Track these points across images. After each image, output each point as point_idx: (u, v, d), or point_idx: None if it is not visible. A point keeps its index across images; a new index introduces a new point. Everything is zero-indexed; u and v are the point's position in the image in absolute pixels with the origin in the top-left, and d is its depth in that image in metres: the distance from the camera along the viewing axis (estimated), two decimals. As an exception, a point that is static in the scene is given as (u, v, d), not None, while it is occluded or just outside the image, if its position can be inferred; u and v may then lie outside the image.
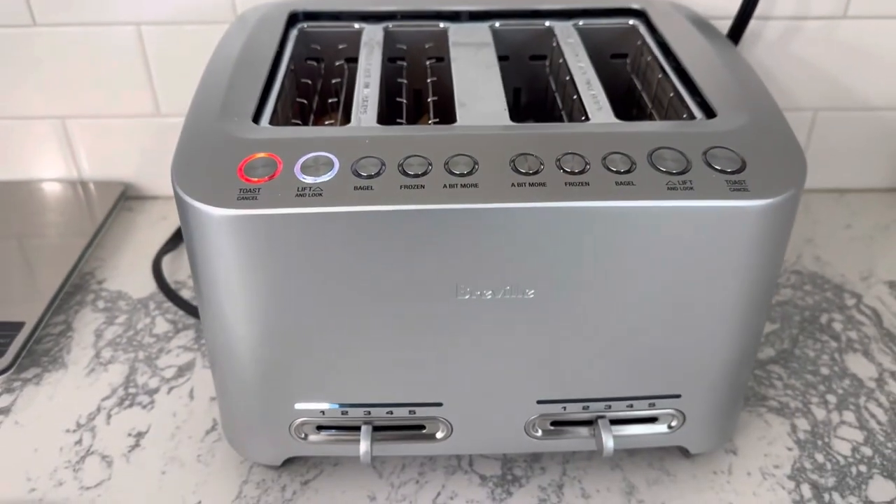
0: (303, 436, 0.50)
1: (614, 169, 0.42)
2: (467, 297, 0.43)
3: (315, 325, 0.44)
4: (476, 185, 0.41)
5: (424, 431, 0.50)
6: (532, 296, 0.44)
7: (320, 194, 0.41)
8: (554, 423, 0.50)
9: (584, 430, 0.51)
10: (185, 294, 0.69)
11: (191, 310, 0.66)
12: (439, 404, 0.48)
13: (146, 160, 0.80)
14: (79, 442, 0.55)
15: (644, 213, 0.41)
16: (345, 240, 0.41)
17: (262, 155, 0.43)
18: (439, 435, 0.50)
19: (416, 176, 0.41)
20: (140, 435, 0.56)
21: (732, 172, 0.42)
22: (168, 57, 0.73)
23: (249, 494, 0.52)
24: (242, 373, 0.48)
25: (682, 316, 0.45)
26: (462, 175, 0.41)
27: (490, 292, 0.43)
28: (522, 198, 0.40)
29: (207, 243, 0.42)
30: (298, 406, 0.48)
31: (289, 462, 0.53)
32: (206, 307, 0.46)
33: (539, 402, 0.49)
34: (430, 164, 0.42)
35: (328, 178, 0.41)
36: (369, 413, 0.49)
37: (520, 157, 0.42)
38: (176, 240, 0.75)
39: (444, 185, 0.41)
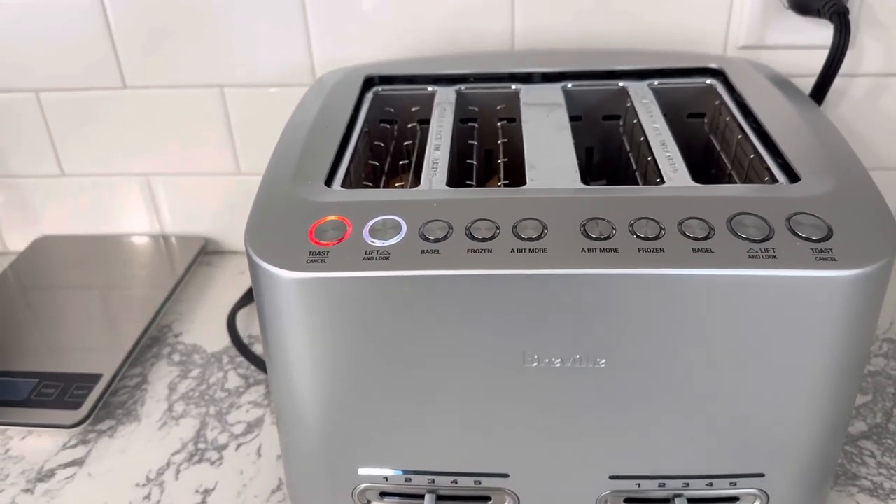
0: (366, 502, 0.49)
1: (691, 235, 0.40)
2: (535, 364, 0.42)
3: (380, 389, 0.44)
4: (545, 250, 0.40)
5: (490, 503, 0.48)
6: (603, 365, 0.42)
7: (387, 258, 0.41)
8: (628, 501, 0.48)
9: (659, 508, 0.48)
10: (258, 349, 0.69)
11: (262, 365, 0.67)
12: (506, 475, 0.47)
13: (226, 216, 0.82)
14: (147, 497, 0.56)
15: (723, 282, 0.39)
16: (410, 304, 0.41)
17: (332, 218, 0.43)
18: (506, 507, 0.48)
19: (484, 240, 0.41)
20: (207, 492, 0.56)
21: (818, 240, 0.40)
22: (249, 117, 0.76)
23: (311, 559, 0.51)
24: (307, 434, 0.47)
25: (764, 389, 0.42)
26: (530, 239, 0.41)
27: (559, 361, 0.42)
28: (593, 264, 0.39)
29: (276, 304, 0.42)
30: (362, 471, 0.47)
31: (352, 526, 0.53)
32: (273, 366, 0.46)
33: (612, 477, 0.46)
34: (497, 228, 0.41)
35: (395, 242, 0.41)
36: (433, 481, 0.47)
37: (591, 222, 0.41)
38: (251, 295, 0.76)
39: (512, 250, 0.40)
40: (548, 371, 0.42)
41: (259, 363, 0.67)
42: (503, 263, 0.40)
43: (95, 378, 0.64)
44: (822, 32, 0.64)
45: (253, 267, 0.42)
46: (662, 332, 0.41)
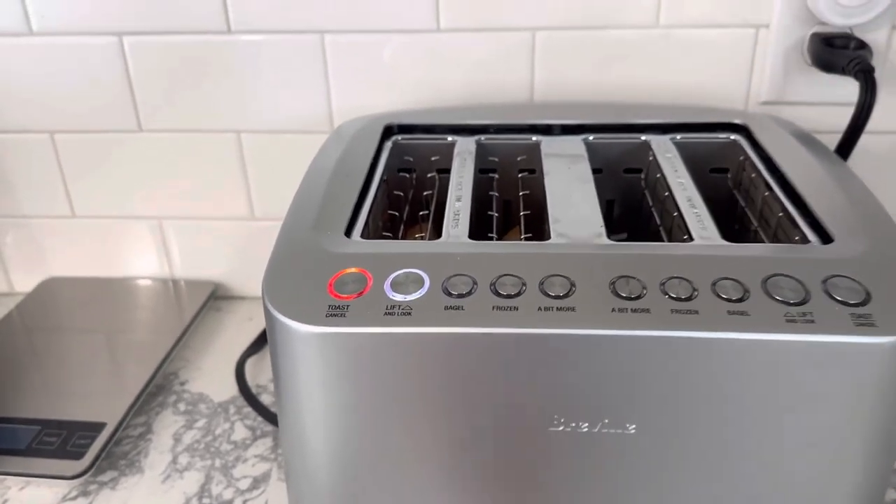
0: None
1: (725, 296, 0.39)
2: (561, 428, 0.40)
3: (396, 450, 0.42)
4: (573, 309, 0.39)
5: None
6: (633, 431, 0.40)
7: (409, 313, 0.39)
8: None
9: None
10: (266, 399, 0.67)
11: (270, 417, 0.65)
12: (524, 546, 0.45)
13: (237, 261, 0.81)
14: (149, 554, 0.54)
15: (761, 347, 0.37)
16: (433, 362, 0.39)
17: (352, 270, 0.42)
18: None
19: (509, 296, 0.40)
20: (210, 551, 0.54)
21: (856, 304, 0.38)
22: (265, 163, 0.75)
23: None
24: (317, 493, 0.45)
25: (802, 460, 0.40)
26: (558, 297, 0.39)
27: (586, 425, 0.40)
28: (624, 325, 0.38)
29: (293, 358, 0.41)
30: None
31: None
32: (285, 421, 0.44)
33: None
34: (524, 285, 0.40)
35: (418, 297, 0.40)
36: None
37: (620, 280, 0.40)
38: (260, 343, 0.74)
39: (539, 308, 0.39)
40: (574, 436, 0.41)
41: (267, 414, 0.65)
42: (530, 322, 0.38)
43: (99, 427, 0.62)
44: (844, 89, 0.64)
45: (270, 319, 0.41)
46: (694, 397, 0.39)
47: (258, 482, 0.59)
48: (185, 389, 0.70)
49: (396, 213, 0.58)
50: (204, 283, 0.82)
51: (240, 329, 0.78)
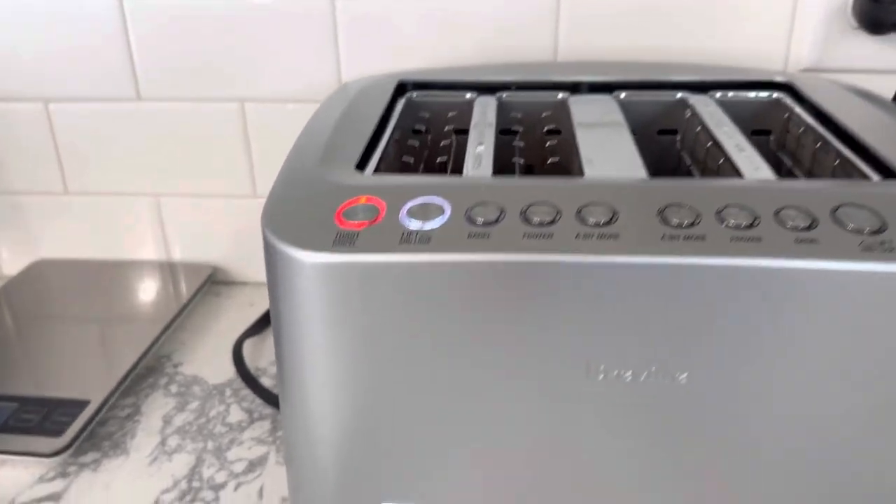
0: (387, 546, 0.41)
1: (791, 224, 0.34)
2: (601, 377, 0.35)
3: (411, 402, 0.37)
4: (616, 237, 0.34)
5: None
6: (684, 381, 0.35)
7: (428, 241, 0.34)
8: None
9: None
10: (266, 382, 0.62)
11: (269, 398, 0.59)
12: (554, 517, 0.39)
13: (237, 243, 0.76)
14: (130, 539, 0.48)
15: (834, 277, 0.32)
16: (454, 296, 0.34)
17: (363, 200, 0.37)
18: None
19: (542, 225, 0.35)
20: (198, 536, 0.48)
21: (942, 233, 0.33)
22: (269, 136, 0.71)
23: None
24: (322, 457, 0.40)
25: (887, 416, 0.35)
26: (598, 225, 0.34)
27: (630, 373, 0.35)
28: (676, 251, 0.33)
29: (295, 296, 0.36)
30: (384, 508, 0.40)
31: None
32: (288, 376, 0.39)
33: (682, 526, 0.39)
34: (558, 213, 0.35)
35: (438, 225, 0.35)
36: (467, 524, 0.40)
37: (670, 208, 0.35)
38: (261, 325, 0.69)
39: (577, 235, 0.34)
40: (616, 387, 0.35)
41: (266, 395, 0.60)
42: (567, 249, 0.33)
43: (82, 405, 0.57)
44: (895, 54, 0.59)
45: (270, 253, 0.36)
46: (756, 338, 0.34)
47: (254, 465, 0.54)
48: (178, 372, 0.64)
49: (412, 161, 0.53)
50: (202, 265, 0.77)
51: (240, 313, 0.73)
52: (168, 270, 0.77)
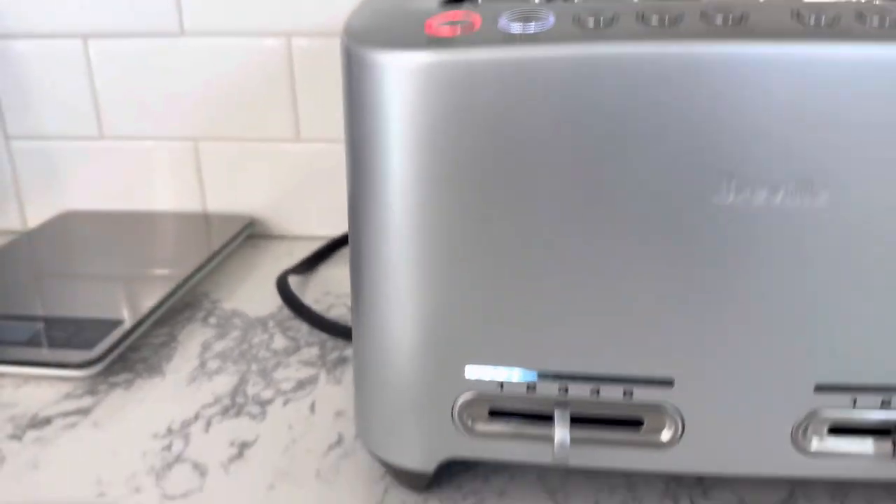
0: (469, 423, 0.36)
1: (950, 12, 0.30)
2: (730, 198, 0.31)
3: (504, 233, 0.32)
4: (752, 30, 0.30)
5: (642, 430, 0.35)
6: (824, 202, 0.30)
7: (534, 40, 0.30)
8: (833, 431, 0.34)
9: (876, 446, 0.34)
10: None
11: (320, 324, 0.55)
12: (669, 382, 0.34)
13: (276, 193, 0.72)
14: (167, 448, 0.43)
15: None
16: (564, 97, 0.30)
17: (458, 12, 0.33)
18: (664, 436, 0.35)
19: (663, 25, 0.31)
20: (245, 445, 0.43)
21: None
22: (316, 73, 0.67)
23: (385, 521, 0.37)
24: (400, 322, 0.35)
25: None
26: (727, 23, 0.30)
27: (764, 192, 0.30)
28: (832, 37, 0.29)
29: (381, 109, 0.32)
30: (469, 371, 0.35)
31: (438, 484, 0.39)
32: (365, 219, 0.35)
33: (818, 388, 0.33)
34: (681, 14, 0.31)
35: (542, 29, 0.31)
36: (566, 391, 0.35)
37: (805, 7, 0.31)
38: (306, 265, 0.65)
39: (708, 25, 0.30)
40: (744, 210, 0.31)
41: (317, 322, 0.55)
42: (696, 36, 0.29)
43: (115, 324, 0.52)
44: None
45: (349, 59, 0.32)
46: (918, 141, 0.29)
47: (303, 384, 0.49)
48: (216, 307, 0.60)
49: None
50: (239, 216, 0.73)
51: (279, 262, 0.68)
52: (204, 221, 0.72)
